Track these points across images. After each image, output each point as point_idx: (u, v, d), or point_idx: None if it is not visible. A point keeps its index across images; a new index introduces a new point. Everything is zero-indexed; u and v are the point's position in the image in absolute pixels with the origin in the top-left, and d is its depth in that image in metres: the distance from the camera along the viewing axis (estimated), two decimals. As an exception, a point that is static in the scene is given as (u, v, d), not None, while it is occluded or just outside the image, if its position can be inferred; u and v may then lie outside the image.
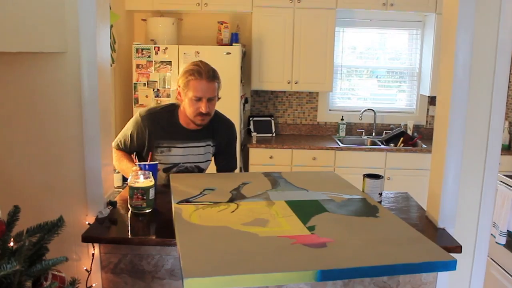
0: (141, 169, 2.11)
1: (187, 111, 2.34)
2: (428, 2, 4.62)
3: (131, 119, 2.46)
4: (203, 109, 2.29)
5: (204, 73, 2.27)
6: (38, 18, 1.76)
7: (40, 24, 1.78)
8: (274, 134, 5.03)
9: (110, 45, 4.00)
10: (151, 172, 2.03)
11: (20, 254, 1.20)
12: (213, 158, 2.58)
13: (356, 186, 2.13)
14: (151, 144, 2.40)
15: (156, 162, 2.24)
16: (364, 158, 4.55)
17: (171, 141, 2.41)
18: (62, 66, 1.93)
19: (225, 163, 2.59)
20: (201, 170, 2.54)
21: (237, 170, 2.70)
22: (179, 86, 2.35)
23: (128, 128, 2.46)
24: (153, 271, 1.85)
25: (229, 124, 2.58)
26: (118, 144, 2.49)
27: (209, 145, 2.50)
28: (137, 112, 2.46)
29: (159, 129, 2.40)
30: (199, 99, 2.28)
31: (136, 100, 4.42)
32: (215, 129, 2.46)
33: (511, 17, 1.94)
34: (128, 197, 2.00)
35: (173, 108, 2.44)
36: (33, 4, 1.73)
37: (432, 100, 5.07)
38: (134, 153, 2.54)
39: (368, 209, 1.84)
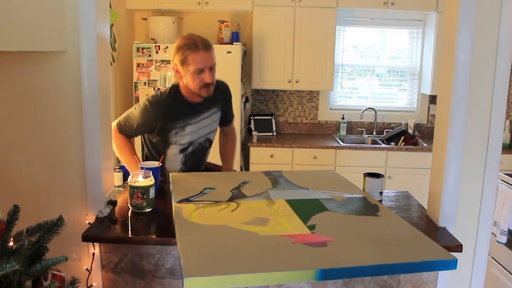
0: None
1: (191, 86, 2.34)
2: (429, 1, 4.61)
3: (139, 107, 2.42)
4: (207, 79, 2.30)
5: (200, 44, 2.28)
6: (38, 17, 1.76)
7: (40, 23, 1.77)
8: (274, 133, 5.03)
9: (111, 44, 4.01)
10: (151, 172, 2.02)
11: (19, 254, 1.20)
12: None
13: (356, 185, 2.13)
14: (165, 129, 2.40)
15: (159, 165, 2.23)
16: (364, 157, 4.55)
17: (184, 120, 2.42)
18: (62, 65, 1.93)
19: (225, 119, 2.69)
20: (210, 142, 2.61)
21: (237, 169, 2.71)
22: (175, 65, 2.34)
23: (136, 116, 2.42)
24: (153, 270, 1.85)
25: (224, 85, 2.63)
26: (121, 126, 2.46)
27: (215, 112, 2.55)
28: (145, 99, 2.43)
29: (171, 113, 2.40)
30: (201, 71, 2.29)
31: (137, 99, 4.42)
32: (217, 94, 2.48)
33: (512, 15, 1.94)
34: (128, 196, 2.00)
35: (175, 89, 2.43)
36: (33, 3, 1.73)
37: (433, 99, 5.07)
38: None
39: (368, 208, 1.84)
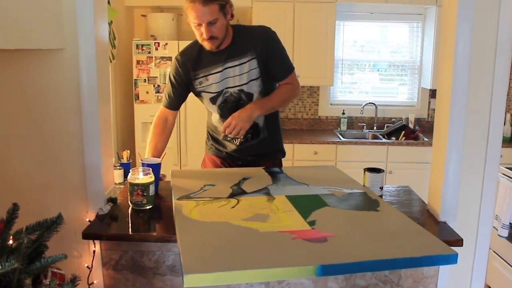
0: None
1: (196, 37, 2.27)
2: (429, -5, 4.60)
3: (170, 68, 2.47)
4: (204, 34, 2.19)
5: None
6: (35, 15, 1.75)
7: (38, 21, 1.77)
8: (275, 129, 5.01)
9: (110, 42, 4.00)
10: (151, 169, 2.02)
11: (19, 252, 1.20)
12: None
13: (357, 180, 2.13)
14: (189, 80, 2.39)
15: (160, 161, 2.22)
16: (365, 152, 4.54)
17: (205, 69, 2.35)
18: (60, 62, 1.92)
19: (279, 69, 2.39)
20: (249, 96, 2.36)
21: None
22: (185, 13, 2.24)
23: (169, 78, 2.45)
24: (154, 267, 1.85)
25: (260, 30, 2.39)
26: (165, 101, 2.47)
27: (246, 61, 2.31)
28: None
29: (192, 61, 2.36)
30: (199, 24, 2.19)
31: (137, 96, 4.41)
32: (247, 41, 2.32)
33: (512, 8, 1.93)
34: (128, 193, 2.00)
35: (196, 39, 2.35)
36: (30, 1, 1.72)
37: (433, 93, 5.05)
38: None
39: (369, 203, 1.84)
